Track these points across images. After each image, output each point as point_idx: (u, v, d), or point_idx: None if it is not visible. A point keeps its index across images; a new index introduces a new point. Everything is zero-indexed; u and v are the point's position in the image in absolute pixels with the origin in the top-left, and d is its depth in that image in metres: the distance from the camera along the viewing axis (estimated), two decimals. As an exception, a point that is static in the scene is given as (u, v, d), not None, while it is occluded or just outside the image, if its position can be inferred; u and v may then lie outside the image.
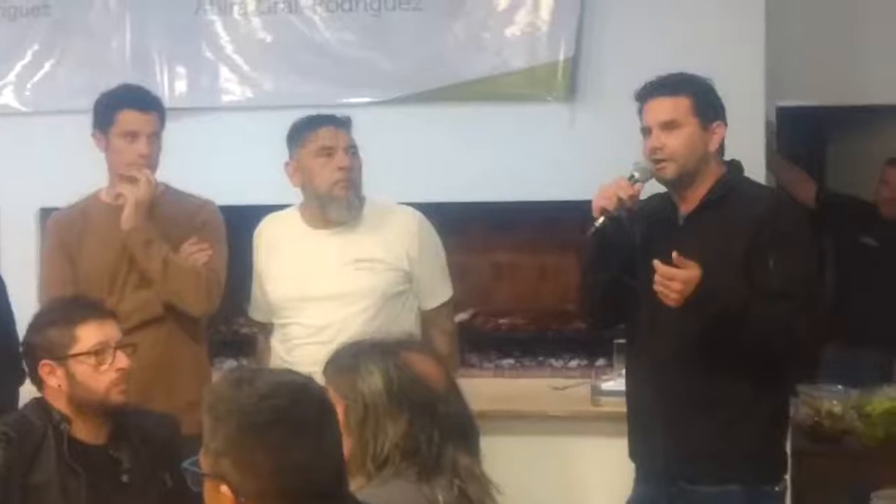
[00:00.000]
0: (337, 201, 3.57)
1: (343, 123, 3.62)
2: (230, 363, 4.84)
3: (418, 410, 2.17)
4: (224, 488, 1.77)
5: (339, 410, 2.13)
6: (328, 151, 3.56)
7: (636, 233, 3.19)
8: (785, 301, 2.96)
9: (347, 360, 2.23)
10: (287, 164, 3.63)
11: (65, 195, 3.91)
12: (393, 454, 2.15)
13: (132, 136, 3.58)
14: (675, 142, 3.11)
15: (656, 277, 2.95)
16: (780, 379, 3.15)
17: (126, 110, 3.59)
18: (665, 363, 3.13)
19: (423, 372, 2.22)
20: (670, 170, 3.13)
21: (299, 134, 3.62)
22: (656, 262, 2.96)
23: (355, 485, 2.14)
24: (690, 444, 3.10)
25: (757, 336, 2.96)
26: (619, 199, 3.11)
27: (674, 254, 2.94)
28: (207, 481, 1.81)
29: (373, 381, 2.16)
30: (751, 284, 3.01)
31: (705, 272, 2.95)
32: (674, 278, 2.94)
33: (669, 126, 3.11)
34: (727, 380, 3.05)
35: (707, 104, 3.14)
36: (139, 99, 3.63)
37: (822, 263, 4.81)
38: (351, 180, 3.57)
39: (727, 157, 3.23)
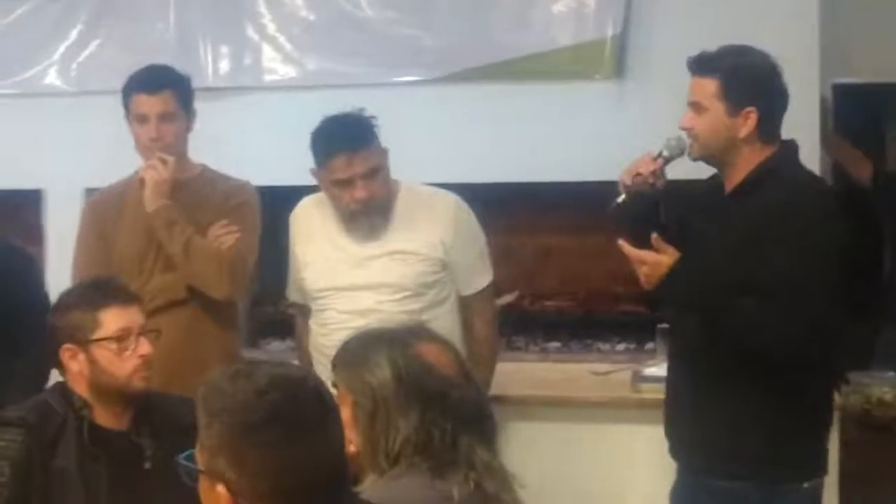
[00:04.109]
0: (357, 224, 3.50)
1: (359, 143, 3.42)
2: (276, 344, 4.85)
3: (430, 401, 2.10)
4: (220, 488, 1.72)
5: (348, 406, 2.09)
6: (343, 183, 3.43)
7: (661, 211, 3.10)
8: (767, 300, 2.85)
9: (355, 352, 2.17)
10: (312, 172, 3.54)
11: (110, 176, 3.94)
12: (405, 449, 2.09)
13: (142, 119, 3.58)
14: (699, 125, 3.02)
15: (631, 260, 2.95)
16: (800, 376, 2.98)
17: (135, 94, 3.59)
18: (692, 352, 3.06)
19: (433, 360, 2.15)
20: (695, 150, 3.06)
21: (315, 154, 3.49)
22: (621, 242, 2.95)
23: (368, 481, 2.09)
24: (706, 437, 3.03)
25: (728, 331, 2.89)
26: (639, 175, 3.04)
27: (653, 235, 2.91)
28: (203, 478, 1.76)
29: (381, 373, 2.10)
30: (756, 274, 2.90)
31: (726, 257, 2.89)
32: (643, 261, 2.91)
33: (696, 108, 3.03)
34: (742, 375, 2.95)
35: (739, 88, 2.99)
36: (146, 81, 3.60)
37: (880, 248, 4.69)
38: (369, 207, 3.46)
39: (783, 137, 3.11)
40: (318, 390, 1.79)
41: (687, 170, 3.19)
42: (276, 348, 4.83)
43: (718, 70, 3.01)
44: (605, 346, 4.66)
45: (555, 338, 4.75)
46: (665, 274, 2.90)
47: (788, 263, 2.86)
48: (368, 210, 3.47)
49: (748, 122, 3.00)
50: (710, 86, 3.00)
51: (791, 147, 3.11)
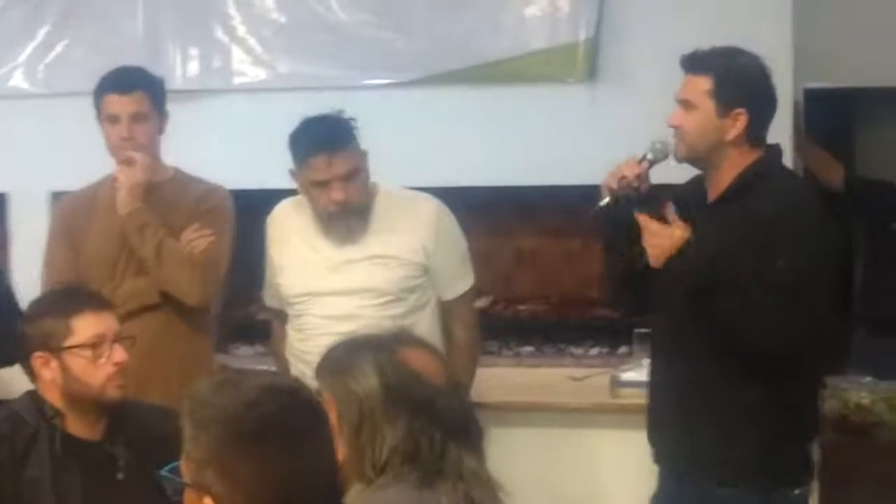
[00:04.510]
0: (334, 226, 3.46)
1: (339, 143, 3.38)
2: (245, 349, 4.79)
3: (417, 409, 2.06)
4: (207, 501, 1.66)
5: (333, 415, 2.03)
6: (322, 184, 3.38)
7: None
8: (779, 301, 2.82)
9: (340, 360, 2.12)
10: (291, 173, 3.49)
11: (76, 179, 3.88)
12: (392, 458, 2.05)
13: (113, 119, 3.55)
14: (688, 123, 2.99)
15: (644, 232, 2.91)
16: (793, 380, 2.97)
17: (107, 95, 3.56)
18: (677, 356, 3.03)
19: (420, 367, 2.11)
20: (681, 150, 3.02)
21: (294, 154, 3.43)
22: (641, 217, 2.90)
23: (354, 491, 2.05)
24: (695, 443, 3.00)
25: (744, 334, 2.86)
26: (624, 178, 3.02)
27: (668, 206, 2.88)
28: (189, 492, 1.70)
29: (367, 381, 2.06)
30: (756, 280, 2.86)
31: (718, 264, 2.85)
32: (657, 233, 2.88)
33: (686, 106, 2.99)
34: (732, 379, 2.93)
35: (731, 88, 2.96)
36: (118, 81, 3.57)
37: (849, 251, 4.69)
38: (347, 209, 3.41)
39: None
40: (310, 401, 1.74)
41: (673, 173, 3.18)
42: (244, 353, 4.78)
43: (712, 69, 2.98)
44: (578, 351, 4.62)
45: (528, 342, 4.71)
46: (678, 248, 2.86)
47: (793, 267, 2.83)
48: (346, 212, 3.42)
49: (737, 123, 2.97)
50: (703, 83, 2.97)
51: (777, 151, 3.09)
